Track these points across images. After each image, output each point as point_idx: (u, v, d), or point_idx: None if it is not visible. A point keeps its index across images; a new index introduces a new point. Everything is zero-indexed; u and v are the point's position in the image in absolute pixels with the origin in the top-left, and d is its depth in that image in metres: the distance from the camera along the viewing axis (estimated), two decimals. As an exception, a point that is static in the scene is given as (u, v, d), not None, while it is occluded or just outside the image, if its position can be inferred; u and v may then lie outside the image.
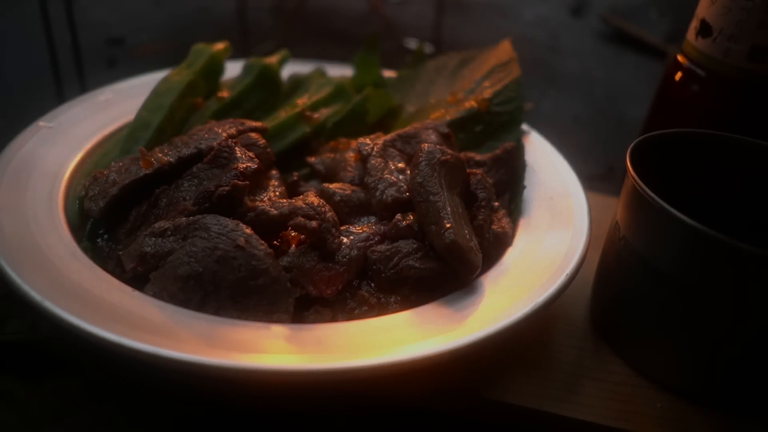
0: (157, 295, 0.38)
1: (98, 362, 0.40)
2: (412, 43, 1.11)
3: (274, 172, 0.51)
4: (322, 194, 0.47)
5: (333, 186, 0.48)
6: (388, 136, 0.52)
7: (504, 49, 0.64)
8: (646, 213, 0.40)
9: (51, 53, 0.74)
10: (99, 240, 0.45)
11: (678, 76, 0.55)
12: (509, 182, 0.54)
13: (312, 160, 0.54)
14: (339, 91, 0.62)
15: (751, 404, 0.41)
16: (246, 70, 0.61)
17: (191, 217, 0.41)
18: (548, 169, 0.56)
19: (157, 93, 0.56)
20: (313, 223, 0.41)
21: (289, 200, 0.44)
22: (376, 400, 0.42)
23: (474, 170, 0.49)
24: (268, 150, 0.50)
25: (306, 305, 0.41)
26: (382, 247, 0.43)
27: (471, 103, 0.58)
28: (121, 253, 0.42)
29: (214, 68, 0.61)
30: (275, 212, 0.43)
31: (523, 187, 0.53)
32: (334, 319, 0.40)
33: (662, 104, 0.58)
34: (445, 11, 1.10)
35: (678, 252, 0.38)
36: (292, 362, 0.34)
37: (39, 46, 0.79)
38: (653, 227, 0.40)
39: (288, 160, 0.55)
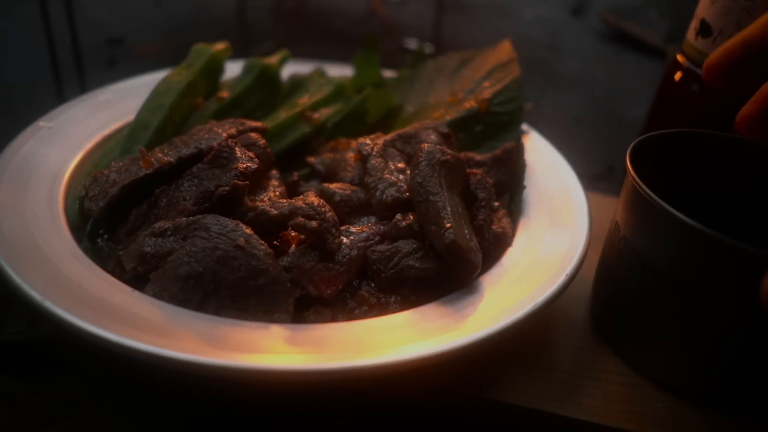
0: (157, 295, 0.38)
1: (98, 362, 0.40)
2: (412, 43, 1.11)
3: (274, 172, 0.51)
4: (322, 194, 0.47)
5: (333, 186, 0.48)
6: (388, 136, 0.52)
7: (504, 49, 0.64)
8: (645, 213, 0.40)
9: (51, 53, 0.73)
10: (99, 240, 0.45)
11: (678, 76, 0.55)
12: (509, 182, 0.54)
13: (312, 160, 0.54)
14: (339, 91, 0.62)
15: (750, 404, 0.41)
16: (246, 70, 0.61)
17: (191, 217, 0.41)
18: (548, 169, 0.56)
19: (157, 93, 0.56)
20: (313, 223, 0.41)
21: (289, 200, 0.44)
22: (376, 400, 0.42)
23: (474, 170, 0.49)
24: (268, 150, 0.50)
25: (306, 305, 0.41)
26: (382, 247, 0.43)
27: (471, 103, 0.58)
28: (121, 253, 0.42)
29: (214, 68, 0.61)
30: (275, 212, 0.43)
31: (523, 187, 0.53)
32: (334, 319, 0.40)
33: (662, 104, 0.58)
34: (445, 11, 1.10)
35: (678, 252, 0.38)
36: (293, 362, 0.34)
37: (39, 46, 0.79)
38: (653, 227, 0.40)
39: (288, 160, 0.55)
